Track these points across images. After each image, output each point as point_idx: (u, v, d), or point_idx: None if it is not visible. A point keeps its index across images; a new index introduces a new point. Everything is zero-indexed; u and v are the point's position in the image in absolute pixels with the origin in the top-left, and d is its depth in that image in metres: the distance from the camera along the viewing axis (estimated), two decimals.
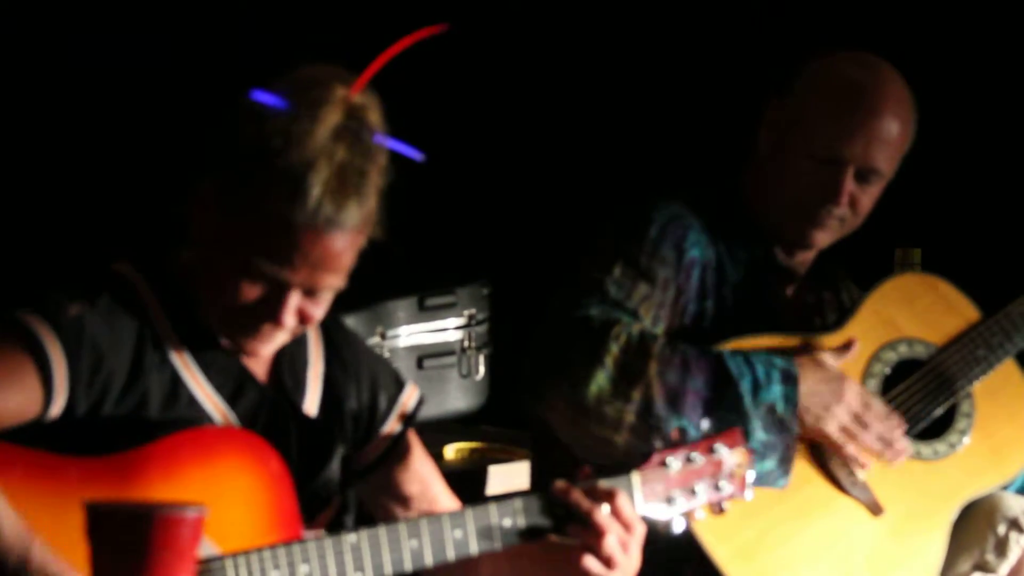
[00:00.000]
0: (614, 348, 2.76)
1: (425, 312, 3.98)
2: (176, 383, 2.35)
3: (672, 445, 2.47)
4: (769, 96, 3.04)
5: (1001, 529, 3.00)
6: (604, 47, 4.47)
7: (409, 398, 2.59)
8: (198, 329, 2.38)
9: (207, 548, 2.27)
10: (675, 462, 2.47)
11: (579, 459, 2.86)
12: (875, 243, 3.17)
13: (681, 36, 4.40)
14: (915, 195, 3.41)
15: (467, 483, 3.63)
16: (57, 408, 2.26)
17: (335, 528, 2.44)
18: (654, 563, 2.49)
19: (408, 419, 2.58)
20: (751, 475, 2.51)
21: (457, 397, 4.01)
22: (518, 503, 2.38)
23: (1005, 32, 4.14)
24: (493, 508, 2.37)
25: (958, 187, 4.17)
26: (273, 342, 2.36)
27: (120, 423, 2.29)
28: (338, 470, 2.49)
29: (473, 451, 3.81)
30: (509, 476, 3.64)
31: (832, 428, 2.87)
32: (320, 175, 2.23)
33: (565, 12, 4.46)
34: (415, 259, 4.30)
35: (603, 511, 2.37)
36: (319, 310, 2.32)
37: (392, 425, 2.56)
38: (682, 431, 2.49)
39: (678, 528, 2.47)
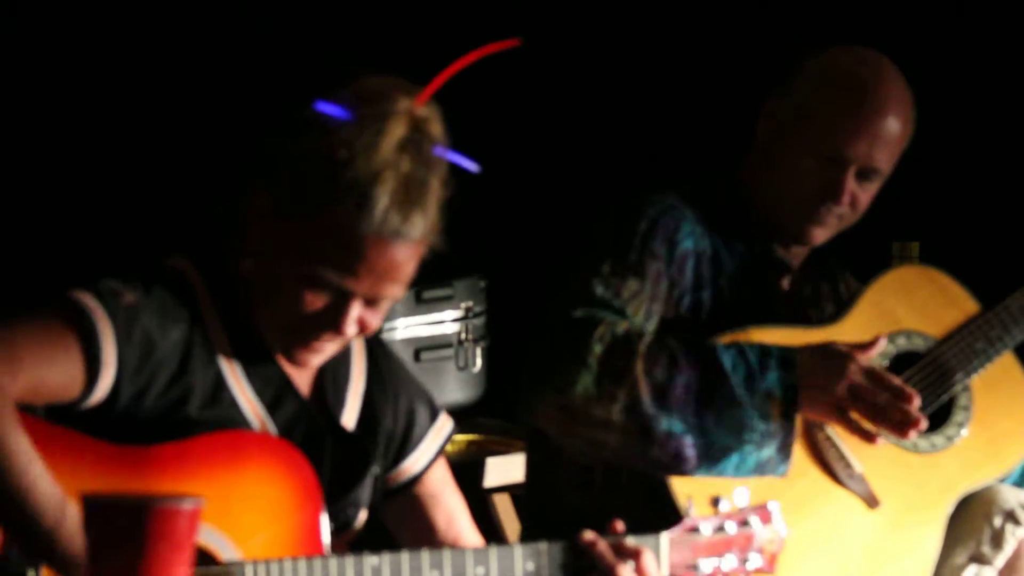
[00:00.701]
0: (597, 348, 2.75)
1: (422, 305, 3.98)
2: (220, 384, 2.35)
3: (705, 514, 2.47)
4: (768, 90, 3.03)
5: (997, 521, 3.00)
6: (602, 41, 4.46)
7: (443, 426, 2.60)
8: (247, 333, 2.38)
9: (229, 552, 2.27)
10: (707, 529, 2.47)
11: (575, 457, 2.87)
12: (872, 237, 3.17)
13: (678, 29, 4.39)
14: (912, 189, 3.41)
15: (464, 475, 3.62)
16: (101, 391, 2.26)
17: (356, 550, 2.44)
18: None
19: (440, 447, 2.58)
20: (780, 546, 2.51)
21: (454, 389, 4.01)
22: (543, 547, 2.38)
23: (1002, 26, 4.14)
24: (517, 550, 2.36)
25: (956, 181, 4.18)
26: (326, 353, 2.37)
27: (160, 416, 2.29)
28: (370, 489, 2.49)
29: (470, 443, 3.81)
30: (506, 468, 3.64)
31: (836, 405, 2.83)
32: (386, 186, 2.25)
33: (562, 5, 4.46)
34: None
35: (627, 568, 2.37)
36: (377, 319, 2.34)
37: (424, 451, 2.56)
38: (716, 500, 2.50)
39: None
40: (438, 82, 2.32)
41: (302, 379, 2.43)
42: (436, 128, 2.34)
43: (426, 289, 3.97)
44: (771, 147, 2.98)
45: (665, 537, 2.44)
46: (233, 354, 2.36)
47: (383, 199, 2.25)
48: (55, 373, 2.23)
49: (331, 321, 2.31)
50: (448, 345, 4.00)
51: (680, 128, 4.28)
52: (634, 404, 2.74)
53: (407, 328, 3.95)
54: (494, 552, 2.35)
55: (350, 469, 2.45)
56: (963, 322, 3.07)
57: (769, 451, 2.79)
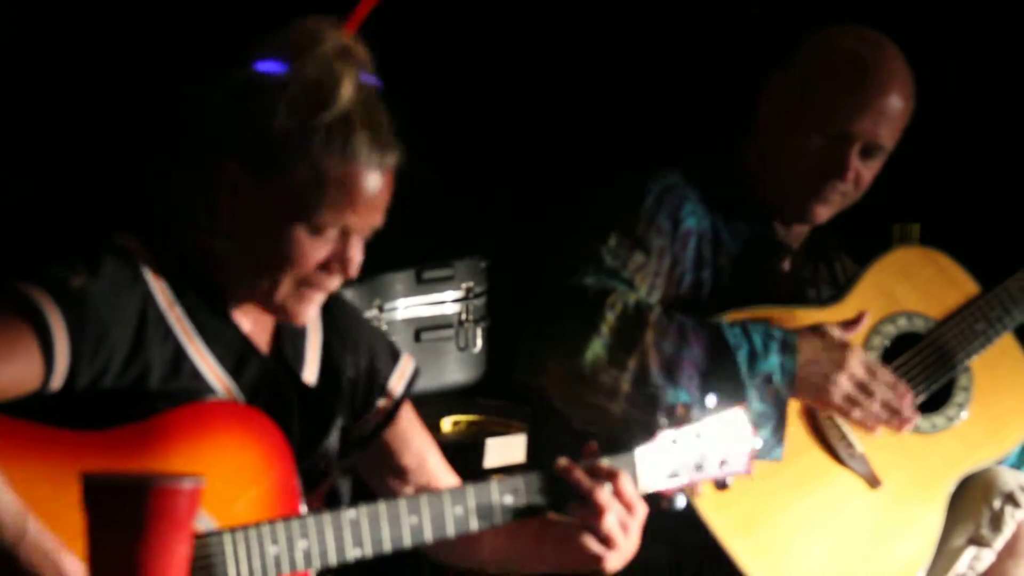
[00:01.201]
0: (610, 316, 2.76)
1: (423, 285, 3.98)
2: (179, 355, 2.34)
3: (677, 421, 2.46)
4: (770, 68, 3.03)
5: (996, 503, 3.01)
6: (601, 19, 4.45)
7: (405, 368, 2.59)
8: (203, 303, 2.37)
9: (206, 523, 2.26)
10: (679, 438, 2.47)
11: (577, 430, 2.87)
12: (873, 219, 3.17)
13: (678, 7, 4.38)
14: (913, 171, 3.40)
15: (465, 456, 3.63)
16: (58, 381, 2.25)
17: (332, 500, 2.44)
18: (654, 534, 2.49)
19: (405, 390, 2.57)
20: (756, 443, 2.51)
21: (455, 370, 4.01)
22: (519, 480, 2.38)
23: (1003, 8, 4.13)
24: (494, 485, 2.37)
25: (956, 162, 4.17)
26: (320, 302, 2.39)
27: (121, 396, 2.28)
28: (337, 440, 2.49)
29: (471, 424, 3.81)
30: (506, 449, 3.64)
31: (835, 397, 2.86)
32: (358, 119, 2.30)
33: None
34: (413, 232, 4.31)
35: (604, 491, 2.37)
36: (360, 255, 2.38)
37: (389, 395, 2.56)
38: (687, 407, 2.49)
39: (680, 504, 2.47)
40: (362, 11, 2.34)
41: (260, 339, 2.43)
42: (364, 51, 2.37)
43: (426, 269, 3.97)
44: (773, 126, 2.98)
45: (639, 451, 2.43)
46: (189, 323, 2.36)
47: (361, 133, 2.30)
48: (7, 371, 2.21)
49: (339, 265, 2.34)
50: (448, 325, 4.00)
51: (679, 106, 4.28)
52: (643, 374, 2.75)
53: (407, 308, 3.95)
54: (471, 490, 2.35)
55: (316, 423, 2.45)
56: (963, 303, 3.07)
57: (765, 433, 2.80)
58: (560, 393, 2.81)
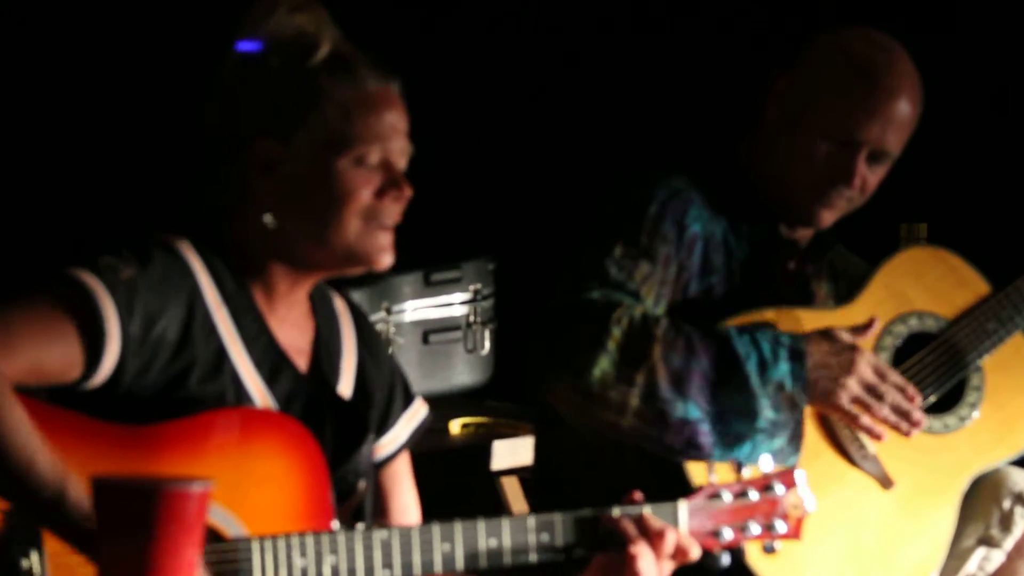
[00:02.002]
0: (616, 332, 2.74)
1: (431, 287, 3.98)
2: (222, 356, 2.34)
3: (729, 482, 2.45)
4: (774, 70, 3.02)
5: (1006, 504, 3.00)
6: (608, 21, 4.45)
7: (417, 412, 2.59)
8: (245, 307, 2.38)
9: (236, 528, 2.26)
10: (727, 495, 2.45)
11: (583, 438, 2.86)
12: (881, 218, 3.16)
13: (681, 8, 4.38)
14: (920, 170, 3.40)
15: (472, 458, 3.63)
16: (107, 367, 2.25)
17: (358, 517, 2.44)
18: None
19: (412, 432, 2.58)
20: (810, 509, 2.47)
21: (463, 372, 4.01)
22: (557, 519, 2.37)
23: (1010, 7, 4.13)
24: (531, 520, 2.35)
25: (963, 161, 4.17)
26: (391, 244, 2.43)
27: (163, 391, 2.29)
28: (368, 454, 2.48)
29: (478, 426, 3.80)
30: (515, 451, 3.64)
31: (843, 401, 2.85)
32: (346, 52, 2.39)
33: None
34: (420, 234, 4.31)
35: (643, 546, 2.36)
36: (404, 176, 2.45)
37: (396, 435, 2.57)
38: (739, 464, 2.47)
39: (724, 563, 2.44)
40: None
41: (298, 353, 2.44)
42: (318, 3, 2.45)
43: (434, 271, 3.97)
44: (779, 129, 2.97)
45: (684, 504, 2.42)
46: (234, 327, 2.37)
47: (357, 60, 2.39)
48: (55, 354, 2.22)
49: (393, 191, 2.39)
50: (456, 328, 4.00)
51: (685, 107, 4.27)
52: (651, 389, 2.73)
53: (415, 311, 3.95)
54: (506, 524, 2.34)
55: (349, 437, 2.45)
56: (975, 303, 3.06)
57: (780, 441, 2.79)
58: (568, 409, 2.79)
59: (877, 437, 2.89)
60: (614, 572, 2.37)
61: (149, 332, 2.28)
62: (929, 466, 2.97)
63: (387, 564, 2.27)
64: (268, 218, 2.36)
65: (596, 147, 4.35)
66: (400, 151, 2.41)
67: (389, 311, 3.90)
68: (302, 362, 2.44)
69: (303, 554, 2.23)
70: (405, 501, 2.57)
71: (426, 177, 4.43)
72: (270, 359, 2.38)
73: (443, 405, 3.90)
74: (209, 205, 2.39)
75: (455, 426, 3.78)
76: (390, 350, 3.82)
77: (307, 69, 2.36)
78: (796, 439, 2.80)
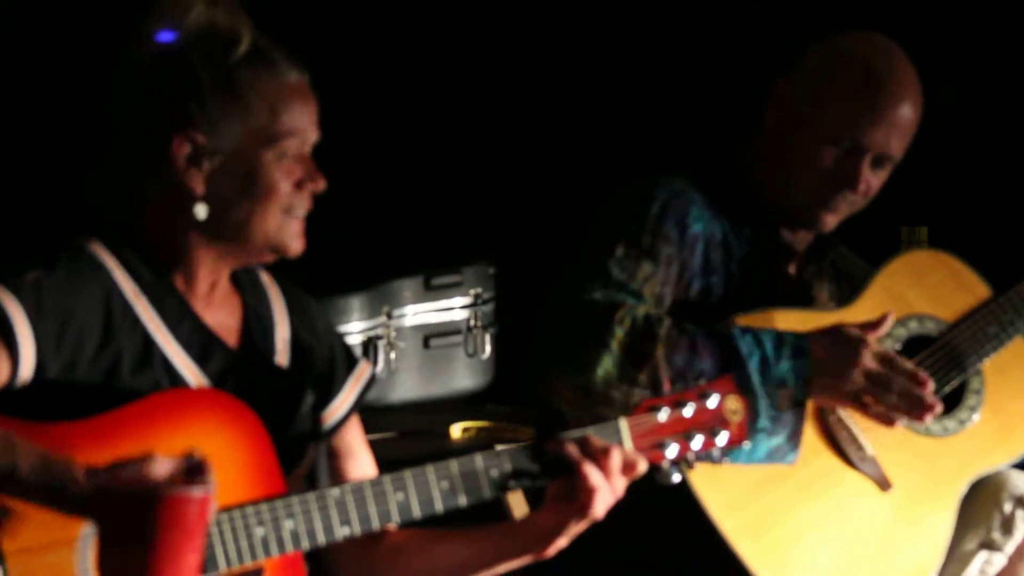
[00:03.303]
0: (619, 332, 2.75)
1: (431, 291, 3.98)
2: (148, 344, 2.35)
3: (663, 395, 2.45)
4: (775, 73, 3.02)
5: (1007, 507, 3.00)
6: (608, 24, 4.45)
7: (363, 372, 2.59)
8: (166, 295, 2.39)
9: None
10: (664, 408, 2.44)
11: None
12: (881, 221, 3.16)
13: (681, 11, 4.38)
14: (921, 173, 3.39)
15: None
16: (26, 371, 2.25)
17: (311, 484, 2.44)
18: (658, 538, 2.48)
19: (359, 395, 2.57)
20: (745, 415, 2.48)
21: (463, 376, 4.01)
22: (504, 453, 2.37)
23: (1011, 10, 4.13)
24: (478, 459, 2.36)
25: (964, 165, 4.16)
26: (302, 233, 2.44)
27: (94, 387, 2.29)
28: (309, 419, 2.49)
29: (479, 430, 3.80)
30: None
31: (848, 394, 2.83)
32: (263, 45, 2.40)
33: None
34: (421, 238, 4.31)
35: (591, 466, 2.36)
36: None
37: (343, 400, 2.56)
38: (672, 380, 2.47)
39: (675, 479, 2.45)
40: None
41: (227, 331, 2.45)
42: None
43: (435, 276, 3.97)
44: (782, 133, 2.97)
45: (623, 420, 2.42)
46: (156, 315, 2.37)
47: (275, 53, 2.40)
48: None
49: (310, 183, 2.41)
50: (457, 332, 4.00)
51: (686, 110, 4.27)
52: (654, 388, 2.74)
53: (416, 315, 3.95)
54: (455, 464, 2.34)
55: (287, 400, 2.46)
56: (975, 306, 3.06)
57: (779, 439, 2.79)
58: (571, 409, 2.80)
59: (889, 424, 2.86)
60: (568, 498, 2.38)
61: (66, 329, 2.28)
62: (928, 469, 2.97)
63: (345, 521, 2.28)
64: (201, 209, 2.37)
65: (597, 151, 4.35)
66: (313, 142, 2.43)
67: (390, 316, 3.90)
68: (232, 339, 2.44)
69: (261, 523, 2.24)
70: (361, 466, 2.57)
71: (427, 182, 4.44)
72: (198, 340, 2.39)
73: (444, 409, 3.91)
74: (120, 200, 2.40)
75: (456, 430, 3.78)
76: (392, 355, 3.83)
77: (230, 62, 2.37)
78: (795, 436, 2.80)
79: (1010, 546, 3.01)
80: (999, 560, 3.02)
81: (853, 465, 2.93)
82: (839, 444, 2.93)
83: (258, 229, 2.38)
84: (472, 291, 4.02)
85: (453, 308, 4.00)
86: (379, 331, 3.85)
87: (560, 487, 2.39)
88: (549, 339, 2.80)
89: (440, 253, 4.06)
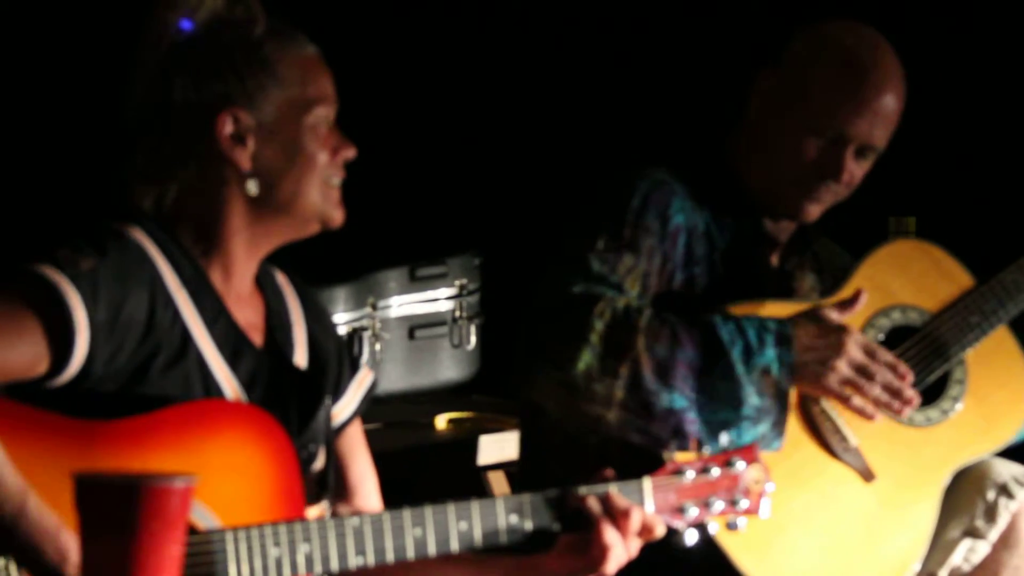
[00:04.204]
0: (599, 325, 2.75)
1: (416, 282, 3.98)
2: (186, 339, 2.35)
3: (689, 455, 2.46)
4: (758, 63, 3.02)
5: (991, 495, 3.01)
6: (592, 19, 4.46)
7: (364, 379, 2.60)
8: (204, 287, 2.39)
9: (209, 520, 2.26)
10: (690, 472, 2.46)
11: (568, 433, 2.87)
12: (869, 212, 3.17)
13: (667, 3, 4.38)
14: (909, 164, 3.40)
15: (459, 453, 3.63)
16: (78, 361, 2.25)
17: (323, 484, 2.45)
18: None
19: (360, 402, 2.58)
20: (769, 489, 2.50)
21: (449, 367, 4.01)
22: (526, 499, 2.39)
23: (994, 1, 4.13)
24: (500, 502, 2.37)
25: (952, 155, 4.17)
26: (342, 203, 2.46)
27: (129, 379, 2.29)
28: (324, 421, 2.49)
29: (464, 421, 3.80)
30: (501, 446, 3.64)
31: (833, 383, 2.85)
32: (276, 21, 2.44)
33: None
34: (406, 229, 4.31)
35: (609, 526, 2.39)
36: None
37: (346, 403, 2.57)
38: (700, 442, 2.49)
39: (690, 540, 2.46)
40: None
41: (254, 330, 2.45)
42: None
43: (420, 267, 3.97)
44: (765, 124, 2.97)
45: (648, 481, 2.43)
46: (195, 310, 2.38)
47: (290, 27, 2.45)
48: (20, 352, 2.22)
49: (345, 151, 2.44)
50: (442, 323, 4.00)
51: (668, 100, 4.27)
52: (636, 380, 2.74)
53: (401, 306, 3.95)
54: (476, 506, 2.36)
55: (307, 406, 2.46)
56: (958, 296, 3.07)
57: (764, 427, 2.80)
58: (553, 404, 2.80)
59: (869, 417, 2.88)
60: (581, 550, 2.39)
61: (117, 318, 2.28)
62: (911, 459, 2.98)
63: (360, 551, 2.29)
64: (252, 185, 2.39)
65: (581, 142, 4.35)
66: (335, 112, 2.46)
67: (375, 307, 3.90)
68: (258, 338, 2.45)
69: (277, 544, 2.25)
70: (361, 468, 2.58)
71: (411, 173, 4.44)
72: (231, 339, 2.40)
73: (429, 400, 3.91)
74: (160, 187, 2.40)
75: (441, 421, 3.78)
76: (377, 347, 3.83)
77: (257, 38, 2.40)
78: (780, 424, 2.81)
79: (993, 534, 3.02)
80: (983, 548, 3.03)
81: (836, 456, 2.94)
82: (822, 435, 2.93)
83: (306, 199, 2.40)
84: (457, 282, 4.02)
85: (438, 299, 4.00)
86: (364, 322, 3.86)
87: (575, 539, 2.41)
88: (531, 336, 2.80)
89: (425, 244, 4.07)
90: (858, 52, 2.94)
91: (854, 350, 2.85)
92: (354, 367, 2.59)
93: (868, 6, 3.10)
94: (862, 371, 2.85)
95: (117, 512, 1.79)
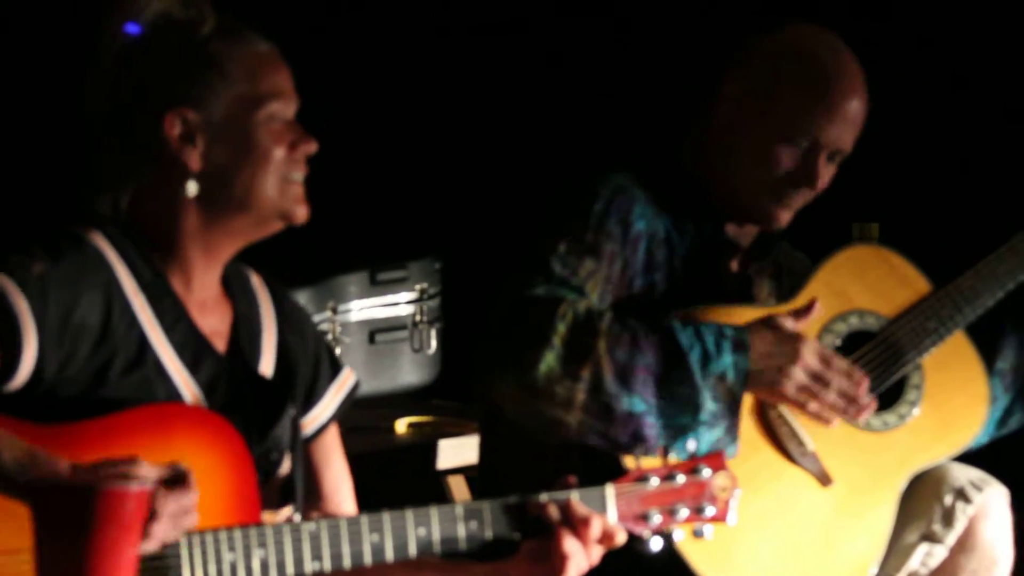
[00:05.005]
0: (561, 327, 2.75)
1: (377, 286, 3.98)
2: (143, 345, 2.34)
3: (655, 463, 2.46)
4: (719, 68, 3.03)
5: (948, 500, 3.02)
6: (552, 20, 4.46)
7: (346, 380, 2.59)
8: (163, 292, 2.38)
9: None
10: (654, 479, 2.46)
11: (528, 437, 2.87)
12: (833, 218, 3.18)
13: (628, 7, 4.39)
14: (873, 171, 3.41)
15: (418, 457, 3.63)
16: (26, 368, 2.24)
17: (289, 491, 2.44)
18: None
19: (341, 403, 2.58)
20: (735, 499, 2.49)
21: (409, 371, 4.01)
22: (485, 507, 2.38)
23: (960, 9, 4.15)
24: (459, 508, 2.37)
25: (916, 162, 4.18)
26: (304, 199, 2.45)
27: (86, 386, 2.28)
28: (288, 430, 2.48)
29: (424, 425, 3.80)
30: (461, 450, 3.64)
31: (790, 390, 2.86)
32: (225, 19, 2.44)
33: None
34: (367, 233, 4.30)
35: (569, 534, 2.38)
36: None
37: (324, 407, 2.56)
38: (666, 449, 2.48)
39: (655, 548, 2.45)
40: None
41: (217, 335, 2.44)
42: None
43: (381, 271, 3.97)
44: (732, 131, 2.98)
45: (611, 488, 2.43)
46: (152, 315, 2.36)
47: (240, 24, 2.44)
48: None
49: (302, 145, 2.42)
50: (403, 327, 4.00)
51: (631, 106, 4.28)
52: (597, 383, 2.74)
53: (361, 310, 3.94)
54: (435, 512, 2.35)
55: (268, 415, 2.45)
56: (915, 301, 3.08)
57: (718, 432, 2.80)
58: (514, 406, 2.79)
59: (826, 423, 2.90)
60: (542, 558, 2.39)
61: (67, 325, 2.26)
62: (868, 464, 2.99)
63: (316, 556, 2.28)
64: (192, 186, 2.37)
65: (543, 146, 4.35)
66: (295, 107, 2.44)
67: (335, 311, 3.89)
68: (221, 344, 2.44)
69: (232, 548, 2.24)
70: (337, 475, 2.58)
71: (372, 177, 4.43)
72: (191, 345, 2.39)
73: (389, 404, 3.91)
74: (116, 191, 2.39)
75: (401, 425, 3.78)
76: (337, 350, 3.82)
77: (203, 37, 2.39)
78: (732, 430, 2.82)
79: (951, 538, 3.02)
80: (940, 552, 3.03)
81: (794, 461, 2.94)
82: (779, 440, 2.94)
83: (261, 195, 2.39)
84: (418, 286, 4.02)
85: (399, 303, 4.00)
86: (324, 326, 3.85)
87: (535, 546, 2.41)
88: (492, 337, 2.80)
89: (386, 248, 4.06)
90: (823, 59, 2.96)
91: (810, 357, 2.87)
92: (335, 371, 2.58)
93: (826, 11, 3.11)
94: (818, 378, 2.87)
95: (73, 515, 1.79)
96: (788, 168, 2.95)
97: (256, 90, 2.39)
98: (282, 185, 2.40)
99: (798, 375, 2.86)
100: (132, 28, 2.39)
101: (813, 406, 2.88)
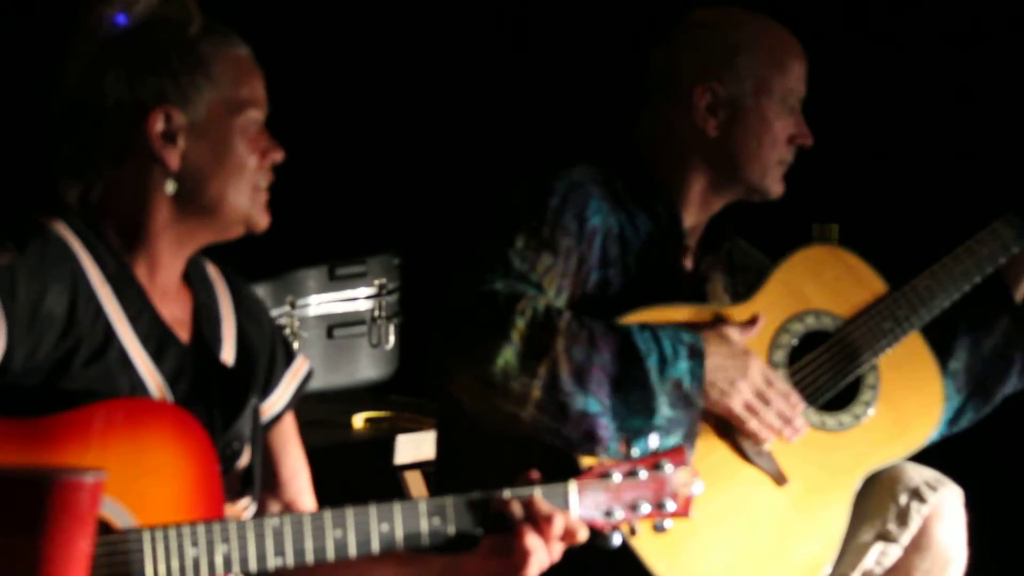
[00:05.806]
0: (520, 323, 2.75)
1: (335, 281, 3.97)
2: (109, 335, 2.33)
3: (618, 457, 2.46)
4: (680, 77, 3.03)
5: (903, 499, 3.03)
6: (506, 14, 4.46)
7: (300, 367, 2.59)
8: (128, 282, 2.37)
9: (125, 520, 2.24)
10: (617, 474, 2.46)
11: (485, 432, 2.87)
12: (793, 218, 3.19)
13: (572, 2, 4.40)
14: (832, 171, 3.42)
15: (376, 452, 3.62)
16: None
17: (249, 480, 2.43)
18: None
19: (296, 390, 2.57)
20: (697, 492, 2.50)
21: (367, 366, 4.01)
22: (449, 502, 2.38)
23: (923, 7, 4.17)
24: (423, 504, 2.37)
25: (876, 162, 4.20)
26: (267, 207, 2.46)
27: (50, 376, 2.27)
28: (250, 421, 2.48)
29: (382, 420, 3.80)
30: (418, 445, 3.64)
31: (736, 404, 2.88)
32: (211, 21, 2.43)
33: None
34: (325, 228, 4.30)
35: (531, 531, 2.38)
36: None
37: (280, 395, 2.56)
38: (629, 443, 2.49)
39: (615, 542, 2.46)
40: None
41: (180, 326, 2.44)
42: None
43: (339, 266, 3.97)
44: (730, 128, 3.00)
45: (574, 484, 2.43)
46: (118, 305, 2.36)
47: (224, 27, 2.43)
48: None
49: (272, 153, 2.43)
50: (361, 322, 4.00)
51: (582, 97, 4.28)
52: (553, 381, 2.74)
53: (320, 305, 3.94)
54: (398, 508, 2.35)
55: (231, 404, 2.45)
56: (871, 302, 3.09)
57: (675, 438, 2.81)
58: (470, 400, 2.80)
59: (762, 441, 2.92)
60: (503, 553, 2.39)
61: (36, 313, 2.26)
62: (823, 463, 3.00)
63: (279, 552, 2.28)
64: (170, 185, 2.37)
65: (500, 141, 4.36)
66: (265, 115, 2.45)
67: (293, 305, 3.88)
68: (184, 334, 2.43)
69: (195, 544, 2.23)
70: (294, 462, 2.58)
71: (331, 172, 4.43)
72: (155, 335, 2.38)
73: (347, 399, 3.91)
74: (87, 182, 2.38)
75: (358, 420, 3.77)
76: (295, 345, 3.82)
77: (192, 37, 2.39)
78: (691, 436, 2.83)
79: (905, 537, 3.04)
80: (895, 551, 3.05)
81: (749, 459, 2.95)
82: (735, 439, 2.95)
83: (232, 202, 2.38)
84: (376, 281, 4.02)
85: (357, 298, 3.99)
86: (282, 320, 3.84)
87: (497, 541, 2.41)
88: (449, 330, 2.80)
89: (344, 243, 4.06)
90: (765, 22, 3.03)
91: (756, 374, 2.89)
92: (289, 358, 2.58)
93: (790, 15, 3.13)
94: (761, 396, 2.90)
95: (25, 507, 1.78)
96: (786, 128, 3.00)
97: (238, 95, 2.39)
98: (252, 193, 2.40)
99: (745, 390, 2.88)
100: (121, 19, 2.37)
101: (753, 423, 2.90)
